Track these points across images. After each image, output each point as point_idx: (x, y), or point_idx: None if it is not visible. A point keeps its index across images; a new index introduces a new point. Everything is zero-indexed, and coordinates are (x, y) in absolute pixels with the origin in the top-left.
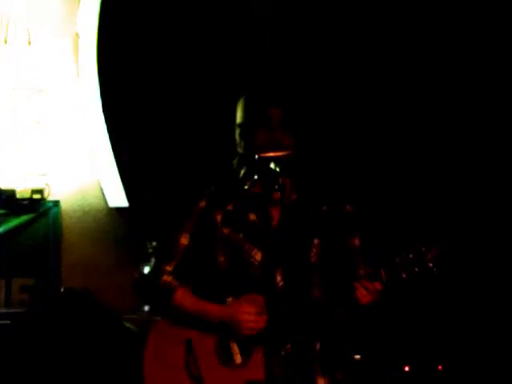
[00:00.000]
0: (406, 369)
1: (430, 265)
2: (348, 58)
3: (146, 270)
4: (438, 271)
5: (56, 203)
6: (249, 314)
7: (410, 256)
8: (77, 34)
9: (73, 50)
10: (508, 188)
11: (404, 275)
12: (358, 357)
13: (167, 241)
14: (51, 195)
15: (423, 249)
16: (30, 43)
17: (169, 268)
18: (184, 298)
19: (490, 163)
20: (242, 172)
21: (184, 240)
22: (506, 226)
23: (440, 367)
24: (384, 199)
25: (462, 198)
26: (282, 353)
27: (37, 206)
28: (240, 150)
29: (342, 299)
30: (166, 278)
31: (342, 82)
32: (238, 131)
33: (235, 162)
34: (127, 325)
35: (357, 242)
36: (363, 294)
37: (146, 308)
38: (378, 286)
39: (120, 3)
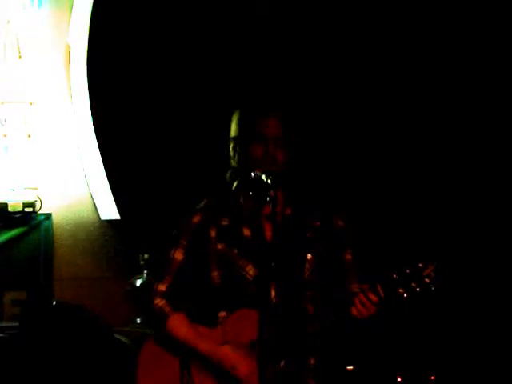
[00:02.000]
0: (399, 379)
1: (427, 280)
2: (344, 71)
3: (138, 282)
4: (434, 287)
5: (48, 216)
6: (239, 363)
7: (407, 271)
8: (68, 46)
9: (64, 62)
10: (504, 203)
11: (401, 290)
12: (350, 368)
13: (161, 257)
14: (43, 208)
15: (420, 265)
16: (20, 56)
17: (162, 287)
18: (176, 326)
19: (483, 179)
20: (235, 185)
21: (178, 256)
22: (500, 240)
23: (432, 377)
24: (378, 214)
25: (457, 214)
26: (276, 368)
27: (28, 219)
28: (234, 164)
29: (334, 314)
30: (159, 301)
31: (337, 97)
32: (231, 145)
33: (228, 175)
34: (119, 337)
35: (348, 256)
36: (360, 310)
37: (138, 320)
38: (374, 300)
39: (111, 14)
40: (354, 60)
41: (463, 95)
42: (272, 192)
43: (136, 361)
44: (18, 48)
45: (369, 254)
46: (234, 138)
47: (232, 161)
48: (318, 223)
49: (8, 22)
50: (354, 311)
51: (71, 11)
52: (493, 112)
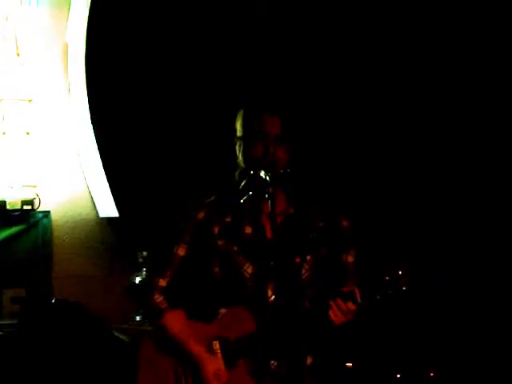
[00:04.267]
0: (398, 376)
1: (404, 288)
2: (345, 69)
3: (137, 279)
4: (411, 294)
5: (46, 214)
6: (212, 373)
7: (386, 278)
8: (66, 44)
9: (62, 59)
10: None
11: (378, 297)
12: (349, 364)
13: (162, 250)
14: (41, 206)
15: (399, 272)
16: (18, 54)
17: (162, 282)
18: (170, 324)
19: (481, 177)
20: (242, 184)
21: (181, 251)
22: (498, 237)
23: (432, 374)
24: (377, 212)
25: (455, 212)
26: (272, 367)
27: (27, 217)
28: (241, 164)
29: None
30: (158, 297)
31: (339, 95)
32: (237, 144)
33: (237, 174)
34: (118, 335)
35: (350, 258)
36: (336, 314)
37: (138, 318)
38: (351, 306)
39: (109, 12)
40: (354, 58)
41: (461, 92)
42: (271, 189)
43: (137, 356)
44: (16, 45)
45: (367, 254)
46: (239, 138)
47: (238, 160)
48: (322, 224)
49: (6, 19)
50: (331, 315)
51: (69, 8)
52: (491, 109)
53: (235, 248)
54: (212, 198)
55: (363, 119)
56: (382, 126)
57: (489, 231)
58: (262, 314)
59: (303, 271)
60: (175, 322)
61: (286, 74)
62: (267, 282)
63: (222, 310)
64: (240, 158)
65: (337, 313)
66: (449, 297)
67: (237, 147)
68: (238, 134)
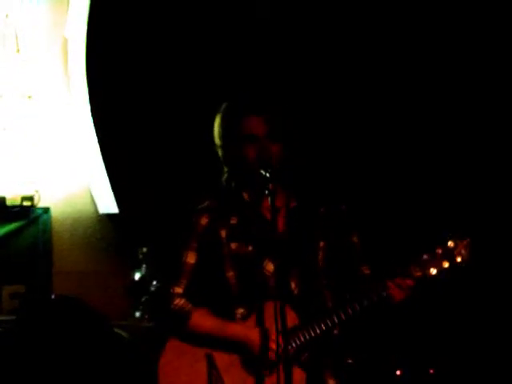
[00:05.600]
0: (398, 373)
1: (459, 259)
2: (340, 62)
3: (137, 276)
4: (466, 265)
5: (46, 210)
6: (271, 339)
7: (438, 251)
8: (66, 40)
9: (62, 55)
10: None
11: (434, 271)
12: (350, 361)
13: (172, 260)
14: (41, 202)
15: (450, 243)
16: (18, 51)
17: (179, 290)
18: (201, 320)
19: (486, 166)
20: (233, 185)
21: (190, 259)
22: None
23: (432, 371)
24: (377, 201)
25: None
26: (302, 358)
27: (27, 213)
28: (226, 168)
29: (369, 299)
30: (179, 301)
31: (332, 83)
32: (220, 152)
33: (224, 179)
34: (118, 331)
35: (355, 239)
36: (397, 292)
37: (137, 314)
38: (409, 282)
39: (109, 7)
40: (350, 52)
41: (459, 89)
42: (271, 185)
43: (156, 364)
44: (17, 42)
45: (373, 242)
46: (222, 146)
47: (224, 166)
48: (323, 210)
49: (6, 16)
50: (392, 294)
51: (69, 5)
52: (491, 108)
53: (250, 248)
54: (208, 204)
55: (360, 112)
56: (381, 116)
57: (490, 224)
58: (289, 308)
59: (319, 258)
60: (207, 317)
61: (272, 69)
62: (289, 275)
63: (240, 311)
64: (229, 163)
65: (397, 291)
66: (450, 293)
67: (220, 154)
68: (219, 141)
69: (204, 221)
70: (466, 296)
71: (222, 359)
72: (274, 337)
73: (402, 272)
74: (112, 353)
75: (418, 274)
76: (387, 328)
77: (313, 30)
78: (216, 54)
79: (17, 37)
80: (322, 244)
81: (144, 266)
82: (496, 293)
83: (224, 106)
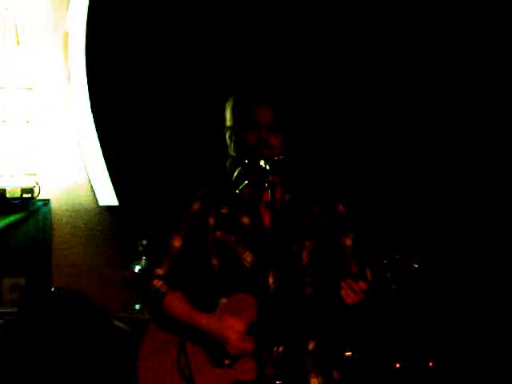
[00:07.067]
0: (397, 366)
1: (415, 266)
2: (338, 56)
3: (137, 268)
4: (422, 272)
5: (46, 202)
6: (237, 332)
7: (397, 257)
8: (66, 32)
9: (62, 47)
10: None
11: (389, 275)
12: (348, 354)
13: (158, 243)
14: (41, 194)
15: (410, 251)
16: (18, 42)
17: (160, 271)
18: (173, 304)
19: (480, 171)
20: (236, 174)
21: (176, 242)
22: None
23: (431, 364)
24: (376, 200)
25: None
26: (274, 354)
27: (27, 205)
28: (231, 152)
29: (332, 299)
30: (157, 282)
31: (333, 80)
32: (227, 134)
33: (228, 164)
34: (117, 323)
35: (349, 241)
36: (348, 294)
37: (137, 306)
38: (362, 285)
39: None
40: (351, 48)
41: (457, 87)
42: (271, 178)
43: (138, 348)
44: (17, 34)
45: (365, 240)
46: (230, 128)
47: (229, 149)
48: (318, 208)
49: (6, 8)
50: (343, 295)
51: None
52: (490, 108)
53: (233, 238)
54: (205, 190)
55: (359, 107)
56: (380, 113)
57: (491, 219)
58: (263, 302)
59: (303, 257)
60: (179, 301)
61: (277, 61)
62: (268, 269)
63: (223, 300)
64: (231, 147)
65: (348, 293)
66: (448, 287)
67: (227, 137)
68: (229, 123)
69: (195, 206)
70: (466, 290)
71: (192, 347)
72: (236, 333)
73: (356, 274)
74: (112, 345)
75: (373, 277)
76: (386, 321)
77: (315, 30)
78: (217, 46)
79: (17, 29)
80: (307, 243)
81: (144, 258)
82: (495, 287)
83: (237, 91)
